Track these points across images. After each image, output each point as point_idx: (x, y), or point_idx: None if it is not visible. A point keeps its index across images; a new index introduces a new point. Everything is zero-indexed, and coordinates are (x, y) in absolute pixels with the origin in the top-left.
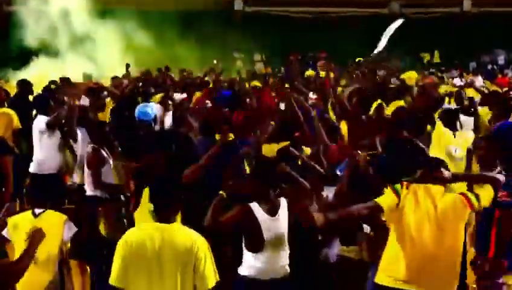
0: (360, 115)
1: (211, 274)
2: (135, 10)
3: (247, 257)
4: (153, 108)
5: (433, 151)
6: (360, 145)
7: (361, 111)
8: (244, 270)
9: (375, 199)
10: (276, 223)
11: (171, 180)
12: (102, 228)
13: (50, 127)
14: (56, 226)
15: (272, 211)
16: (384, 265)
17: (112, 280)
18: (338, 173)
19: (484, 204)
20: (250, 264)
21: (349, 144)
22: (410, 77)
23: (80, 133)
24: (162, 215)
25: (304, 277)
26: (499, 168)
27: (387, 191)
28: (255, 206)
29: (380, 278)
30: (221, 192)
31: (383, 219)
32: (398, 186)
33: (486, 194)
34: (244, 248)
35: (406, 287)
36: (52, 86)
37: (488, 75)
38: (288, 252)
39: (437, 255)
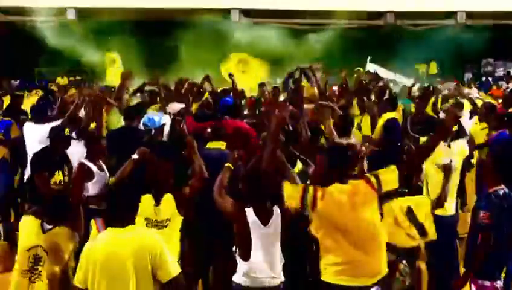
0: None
1: (171, 265)
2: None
3: (240, 265)
4: (162, 117)
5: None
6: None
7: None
8: (237, 278)
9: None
10: (267, 232)
11: (128, 186)
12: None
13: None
14: (70, 242)
15: (265, 219)
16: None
17: (76, 281)
18: None
19: (386, 188)
20: (243, 272)
21: None
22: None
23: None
24: (117, 219)
25: (299, 287)
26: (503, 186)
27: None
28: (249, 212)
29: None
30: (228, 164)
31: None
32: (310, 188)
33: (388, 178)
34: (237, 255)
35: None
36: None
37: (483, 87)
38: (281, 261)
39: (365, 240)
